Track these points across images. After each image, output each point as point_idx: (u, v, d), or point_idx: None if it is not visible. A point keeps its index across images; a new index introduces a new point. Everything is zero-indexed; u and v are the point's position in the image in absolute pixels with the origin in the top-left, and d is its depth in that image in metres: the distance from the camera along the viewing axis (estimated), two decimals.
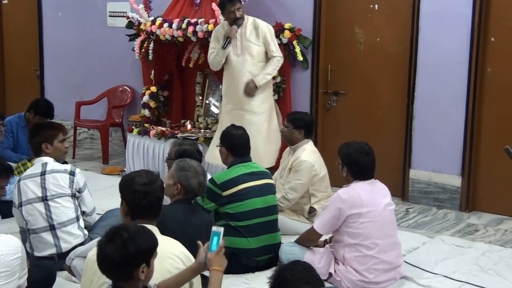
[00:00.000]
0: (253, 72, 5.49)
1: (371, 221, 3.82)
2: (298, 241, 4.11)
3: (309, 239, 4.06)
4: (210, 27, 5.98)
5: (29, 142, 4.36)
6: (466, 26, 5.38)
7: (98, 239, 2.57)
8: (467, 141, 5.50)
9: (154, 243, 2.46)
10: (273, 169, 5.31)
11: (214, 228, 2.81)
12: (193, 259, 2.87)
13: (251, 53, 5.51)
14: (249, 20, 5.57)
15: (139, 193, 2.90)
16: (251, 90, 5.47)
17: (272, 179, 4.48)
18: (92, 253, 2.82)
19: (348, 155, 3.94)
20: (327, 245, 4.16)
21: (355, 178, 3.93)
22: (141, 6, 6.65)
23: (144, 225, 2.84)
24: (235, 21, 5.45)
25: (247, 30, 5.52)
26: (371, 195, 3.89)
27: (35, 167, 4.14)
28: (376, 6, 5.93)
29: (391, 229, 3.96)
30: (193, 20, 6.19)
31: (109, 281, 2.60)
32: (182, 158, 4.00)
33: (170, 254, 2.78)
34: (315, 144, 5.31)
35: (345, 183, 3.98)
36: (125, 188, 2.97)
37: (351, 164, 3.93)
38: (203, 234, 2.80)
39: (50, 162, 4.14)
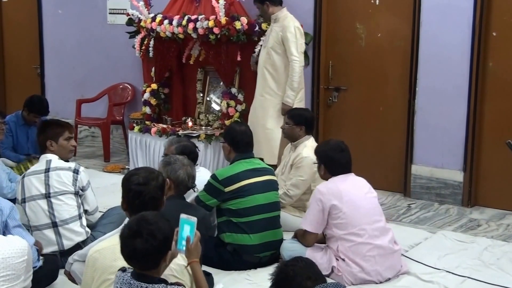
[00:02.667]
0: (266, 67, 5.62)
1: (354, 208, 3.88)
2: (296, 238, 4.15)
3: (306, 241, 4.05)
4: (211, 23, 5.97)
5: (36, 140, 4.38)
6: (467, 20, 5.36)
7: (116, 235, 2.60)
8: (469, 136, 5.49)
9: (173, 227, 2.52)
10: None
11: (184, 216, 2.69)
12: None
13: (271, 47, 5.58)
14: (283, 16, 5.60)
15: (132, 192, 2.91)
16: (284, 111, 5.47)
17: (275, 175, 4.47)
18: (94, 250, 2.81)
19: (323, 152, 4.07)
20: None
21: (332, 174, 4.01)
22: (141, 3, 6.64)
23: None
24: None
25: (275, 25, 5.62)
26: (350, 185, 3.96)
27: (40, 163, 4.13)
28: (377, 1, 5.91)
29: (376, 215, 3.99)
30: (193, 17, 6.18)
31: (112, 277, 2.59)
32: (183, 154, 4.00)
33: None
34: (316, 140, 5.29)
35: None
36: (123, 184, 2.99)
37: (327, 161, 4.03)
38: (200, 228, 2.78)
39: (54, 160, 4.13)
